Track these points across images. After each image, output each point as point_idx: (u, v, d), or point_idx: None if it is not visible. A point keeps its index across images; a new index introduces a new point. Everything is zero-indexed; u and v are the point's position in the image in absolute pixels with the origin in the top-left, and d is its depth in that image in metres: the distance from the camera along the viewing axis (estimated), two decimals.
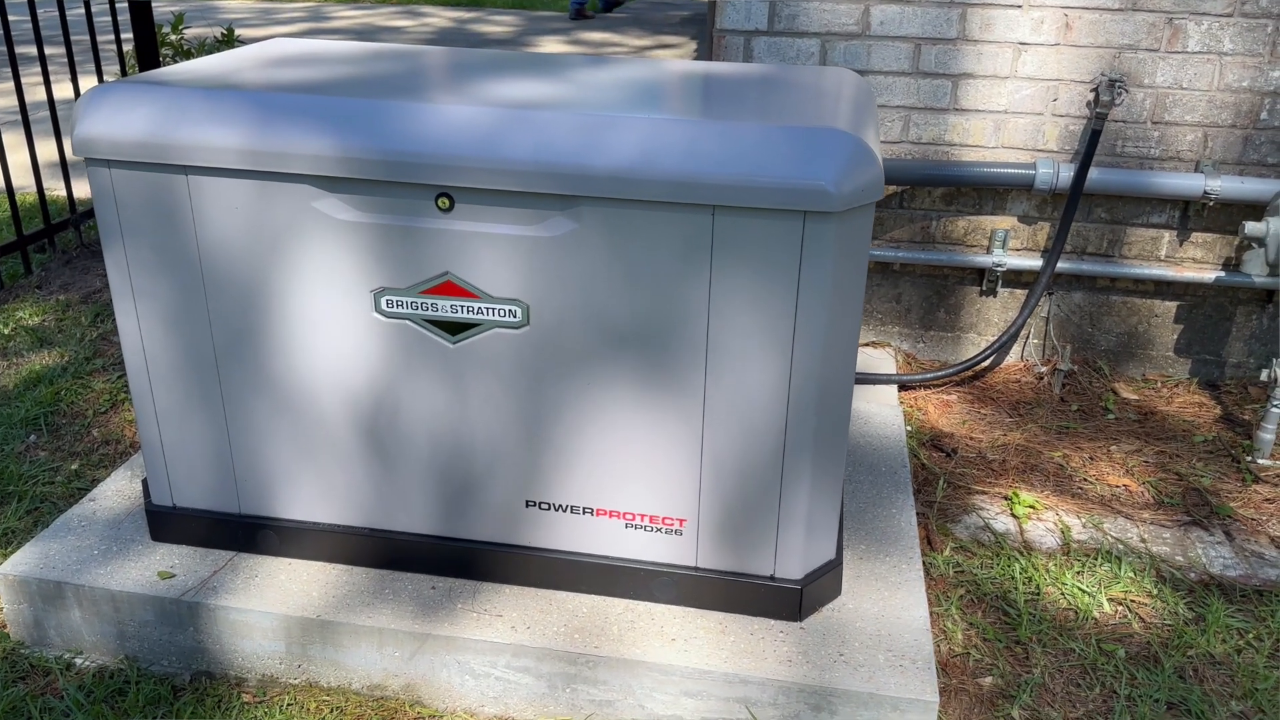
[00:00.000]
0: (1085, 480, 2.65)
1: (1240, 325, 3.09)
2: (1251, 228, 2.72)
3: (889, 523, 2.23)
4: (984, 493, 2.58)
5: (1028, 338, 3.22)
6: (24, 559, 2.05)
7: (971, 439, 2.83)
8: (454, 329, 1.83)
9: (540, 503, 1.94)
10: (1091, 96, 2.89)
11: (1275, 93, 2.82)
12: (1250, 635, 2.12)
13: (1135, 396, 3.07)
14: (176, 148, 1.76)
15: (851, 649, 1.86)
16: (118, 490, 2.28)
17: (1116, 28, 2.82)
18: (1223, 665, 2.04)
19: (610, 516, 1.92)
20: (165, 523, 2.09)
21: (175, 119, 1.76)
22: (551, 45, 9.21)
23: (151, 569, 2.03)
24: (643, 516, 1.91)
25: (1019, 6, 2.84)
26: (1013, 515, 2.49)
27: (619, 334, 1.77)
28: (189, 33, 4.86)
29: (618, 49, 9.08)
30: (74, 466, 2.60)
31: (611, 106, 1.77)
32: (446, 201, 1.74)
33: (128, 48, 7.07)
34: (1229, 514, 2.52)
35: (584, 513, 1.93)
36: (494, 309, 1.80)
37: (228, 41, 4.62)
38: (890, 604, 1.97)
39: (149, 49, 4.21)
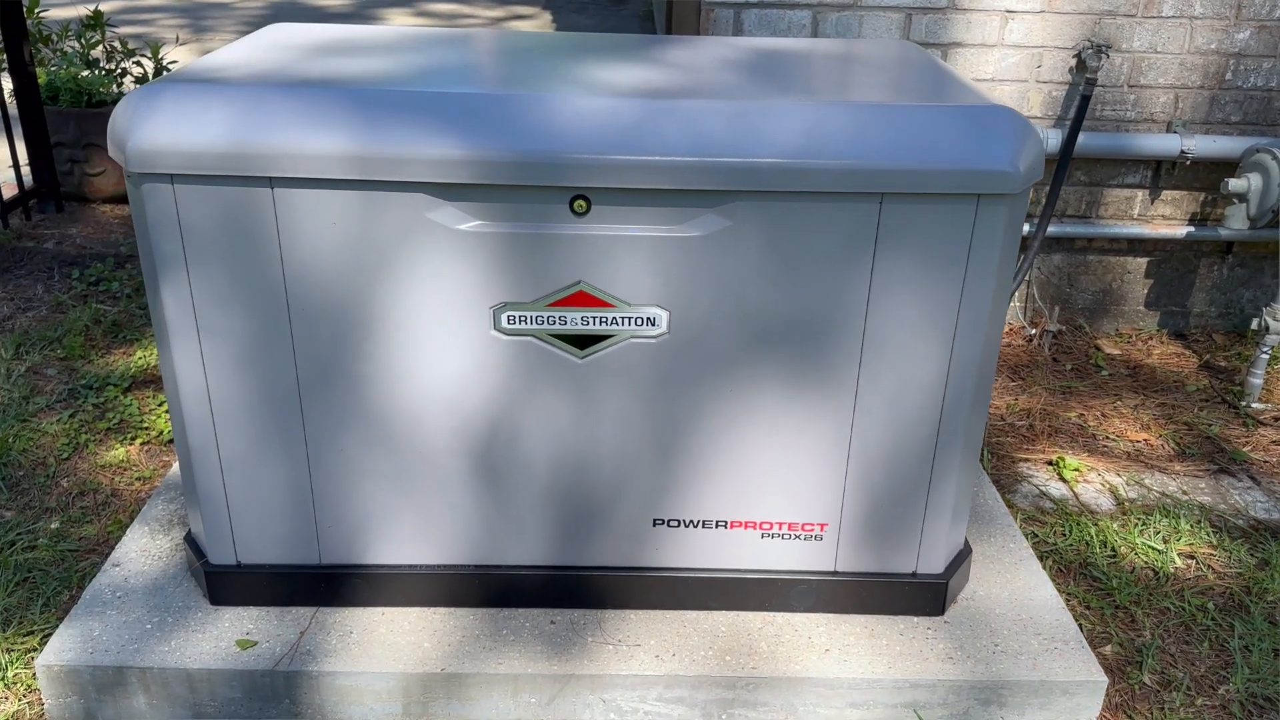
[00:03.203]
0: (1108, 438, 2.72)
1: (1203, 277, 3.26)
2: (1234, 184, 2.85)
3: (975, 501, 2.21)
4: (1027, 460, 2.61)
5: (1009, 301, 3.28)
6: (65, 644, 1.75)
7: (991, 406, 2.86)
8: (584, 342, 1.66)
9: (669, 520, 1.81)
10: (1074, 62, 2.95)
11: (1239, 54, 2.96)
12: None
13: (1118, 351, 3.18)
14: (263, 157, 1.51)
15: (1003, 638, 1.83)
16: (142, 551, 1.99)
17: None
18: None
19: (746, 528, 1.82)
20: (228, 584, 1.83)
21: (259, 123, 1.51)
22: (399, 18, 8.77)
23: (225, 638, 1.78)
24: (780, 525, 1.81)
25: None
26: (1062, 479, 2.54)
27: (768, 335, 1.66)
28: (43, 15, 4.33)
29: (470, 20, 8.74)
30: (54, 526, 2.25)
31: (747, 93, 1.64)
32: (583, 204, 1.57)
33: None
34: (1245, 459, 2.65)
35: (717, 526, 1.81)
36: (631, 318, 1.64)
37: (96, 24, 4.13)
38: (1016, 586, 1.96)
39: (16, 27, 3.70)
